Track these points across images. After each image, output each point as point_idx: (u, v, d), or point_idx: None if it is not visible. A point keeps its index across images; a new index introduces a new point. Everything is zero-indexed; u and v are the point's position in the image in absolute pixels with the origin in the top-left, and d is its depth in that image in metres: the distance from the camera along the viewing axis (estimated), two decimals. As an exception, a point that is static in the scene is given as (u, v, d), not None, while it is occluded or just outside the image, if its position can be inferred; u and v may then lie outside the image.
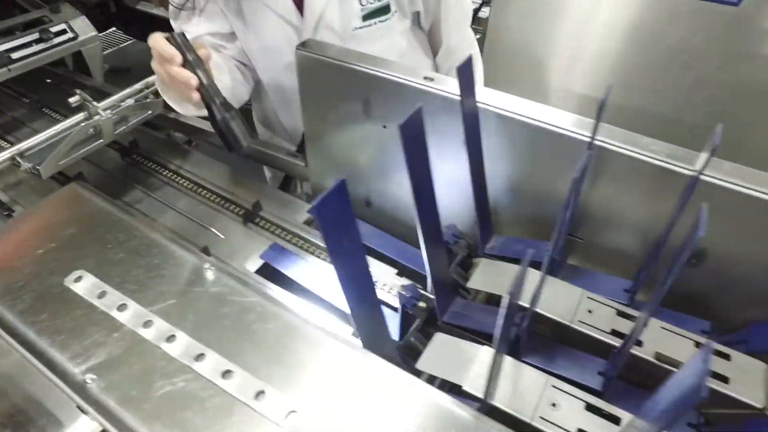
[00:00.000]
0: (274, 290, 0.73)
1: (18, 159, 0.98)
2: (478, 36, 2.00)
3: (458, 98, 0.68)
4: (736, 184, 0.61)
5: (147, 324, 0.43)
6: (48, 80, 1.54)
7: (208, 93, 0.82)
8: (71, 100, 1.02)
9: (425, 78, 0.77)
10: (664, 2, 1.42)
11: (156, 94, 1.13)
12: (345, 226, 0.48)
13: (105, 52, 1.95)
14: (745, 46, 1.39)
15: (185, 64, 0.80)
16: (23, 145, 1.00)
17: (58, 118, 1.45)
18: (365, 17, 0.96)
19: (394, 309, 0.76)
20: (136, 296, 0.45)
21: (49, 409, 0.78)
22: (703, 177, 0.61)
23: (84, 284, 0.47)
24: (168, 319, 0.43)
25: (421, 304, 0.75)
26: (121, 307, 0.45)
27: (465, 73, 0.65)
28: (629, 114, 1.63)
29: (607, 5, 1.50)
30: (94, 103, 1.03)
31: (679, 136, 1.58)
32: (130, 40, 3.07)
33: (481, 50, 1.76)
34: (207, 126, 1.25)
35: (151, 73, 0.89)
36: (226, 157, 1.20)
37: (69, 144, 0.98)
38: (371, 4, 0.95)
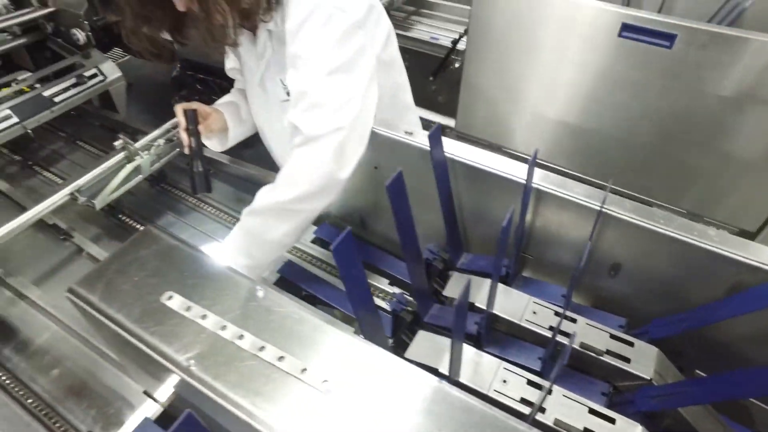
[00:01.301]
0: (297, 301, 0.95)
1: (76, 194, 1.19)
2: (457, 65, 2.24)
3: (428, 149, 0.91)
4: (630, 217, 0.85)
5: (223, 328, 0.65)
6: (78, 115, 1.75)
7: (193, 152, 1.13)
8: (116, 144, 1.23)
9: (405, 132, 1.00)
10: (613, 43, 1.66)
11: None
12: (351, 258, 0.71)
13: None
14: (678, 80, 1.63)
15: (187, 129, 1.14)
16: (79, 182, 1.21)
17: (90, 150, 1.66)
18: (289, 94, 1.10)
19: (388, 312, 0.99)
20: (212, 309, 0.67)
21: (122, 395, 1.00)
22: (605, 210, 0.85)
23: (174, 301, 0.69)
24: (237, 324, 0.65)
25: (408, 308, 0.98)
26: (204, 317, 0.66)
27: (435, 135, 0.88)
28: (591, 134, 1.88)
29: (573, 46, 1.73)
30: (135, 145, 1.24)
31: (633, 153, 1.82)
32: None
33: (461, 78, 2.00)
34: (223, 157, 1.47)
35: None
36: (242, 186, 1.42)
37: (116, 182, 1.20)
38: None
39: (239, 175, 1.41)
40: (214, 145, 1.27)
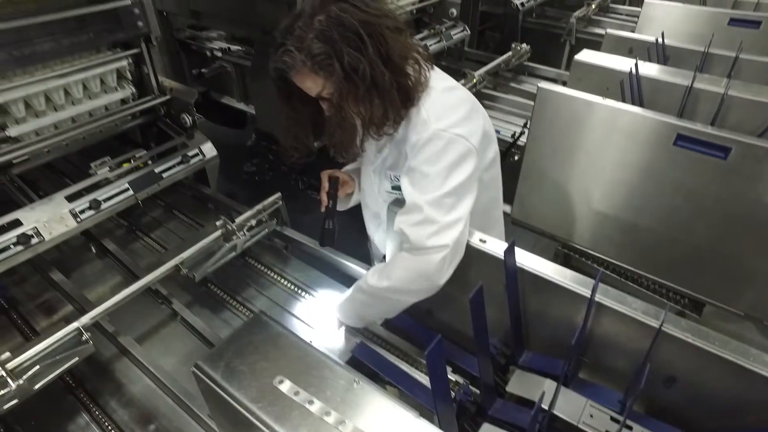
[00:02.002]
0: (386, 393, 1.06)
1: (180, 266, 1.37)
2: (516, 158, 2.39)
3: (500, 257, 1.03)
4: (686, 336, 0.93)
5: (327, 414, 0.77)
6: (175, 187, 1.97)
7: (327, 211, 1.33)
8: (217, 224, 1.42)
9: (480, 240, 1.13)
10: (669, 151, 1.76)
11: (270, 214, 1.55)
12: (440, 362, 0.82)
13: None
14: (734, 188, 1.71)
15: (328, 192, 1.34)
16: (183, 255, 1.39)
17: (184, 219, 1.88)
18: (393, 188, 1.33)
19: (453, 401, 1.08)
20: (317, 395, 0.80)
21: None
22: (664, 329, 0.93)
23: (285, 386, 0.81)
24: (338, 411, 0.77)
25: (472, 399, 1.07)
26: (310, 402, 0.79)
27: (510, 249, 1.00)
28: (646, 232, 1.95)
29: (630, 150, 1.84)
30: (233, 226, 1.42)
31: (687, 253, 1.86)
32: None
33: (519, 170, 2.14)
34: (299, 237, 1.63)
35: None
36: (317, 263, 1.57)
37: (215, 258, 1.37)
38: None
39: (313, 254, 1.56)
40: (346, 207, 1.49)
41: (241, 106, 3.31)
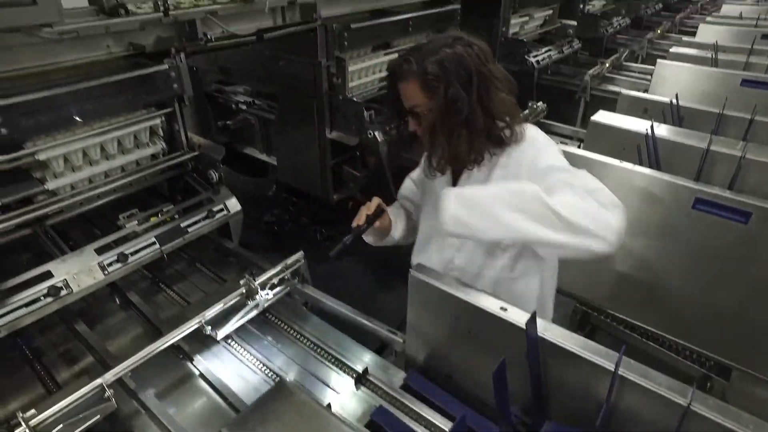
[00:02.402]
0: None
1: (203, 324, 1.39)
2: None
3: (521, 326, 1.04)
4: (714, 416, 0.91)
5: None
6: (198, 240, 2.02)
7: (356, 230, 1.41)
8: (241, 282, 1.45)
9: (501, 308, 1.14)
10: (688, 214, 1.77)
11: (292, 273, 1.58)
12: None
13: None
14: (756, 252, 1.70)
15: (368, 216, 1.43)
16: (207, 313, 1.42)
17: (206, 272, 1.91)
18: None
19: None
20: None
21: None
22: (692, 408, 0.92)
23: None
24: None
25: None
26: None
27: (531, 321, 1.01)
28: (664, 293, 1.93)
29: (648, 212, 1.86)
30: (257, 284, 1.45)
31: (710, 315, 1.84)
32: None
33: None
34: (320, 295, 1.64)
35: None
36: (336, 322, 1.58)
37: (238, 316, 1.40)
38: None
39: (334, 313, 1.57)
40: (370, 240, 1.58)
41: (263, 157, 3.42)
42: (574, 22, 4.48)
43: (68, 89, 1.61)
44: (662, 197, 1.79)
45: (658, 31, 5.03)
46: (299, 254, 1.63)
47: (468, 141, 1.31)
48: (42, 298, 1.49)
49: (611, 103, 3.76)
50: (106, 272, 1.61)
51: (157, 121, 1.94)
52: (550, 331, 1.08)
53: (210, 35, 1.92)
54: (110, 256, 1.63)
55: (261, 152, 3.43)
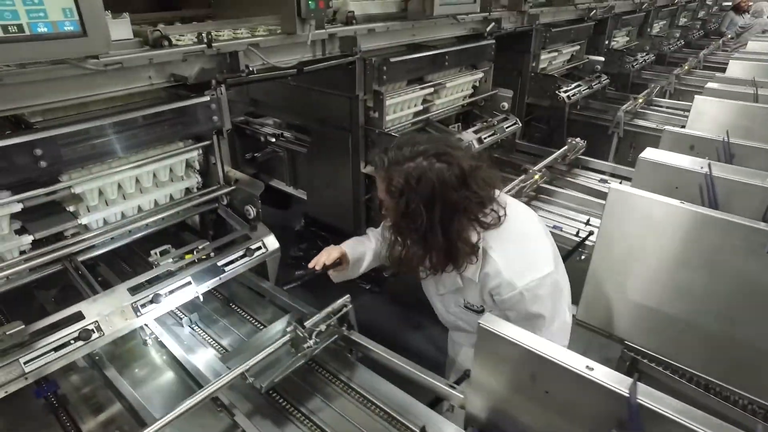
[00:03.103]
0: None
1: (246, 374, 1.28)
2: (583, 257, 2.30)
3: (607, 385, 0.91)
4: None
5: None
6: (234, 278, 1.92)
7: (309, 272, 1.62)
8: (287, 330, 1.34)
9: (587, 367, 1.02)
10: (757, 255, 1.64)
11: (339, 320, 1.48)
12: None
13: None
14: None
15: (326, 265, 1.63)
16: (249, 363, 1.31)
17: (243, 315, 1.81)
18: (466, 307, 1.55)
19: None
20: None
21: None
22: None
23: None
24: None
25: None
26: None
27: (634, 386, 0.89)
28: (729, 342, 1.79)
29: (708, 255, 1.74)
30: (304, 332, 1.34)
31: (745, 357, 1.70)
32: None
33: (585, 269, 2.04)
34: (367, 342, 1.53)
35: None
36: (385, 372, 1.46)
37: (282, 366, 1.28)
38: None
39: (382, 362, 1.46)
40: (333, 278, 1.70)
41: (290, 189, 3.35)
42: (602, 58, 4.46)
43: (111, 120, 1.56)
44: (733, 241, 1.67)
45: (685, 67, 4.98)
46: (345, 298, 1.52)
47: (421, 255, 1.36)
48: (72, 341, 1.39)
49: (646, 139, 3.69)
50: (139, 313, 1.51)
51: (194, 153, 1.88)
52: (649, 395, 0.96)
53: (252, 67, 1.87)
54: (144, 296, 1.53)
55: (288, 185, 3.37)
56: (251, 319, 1.78)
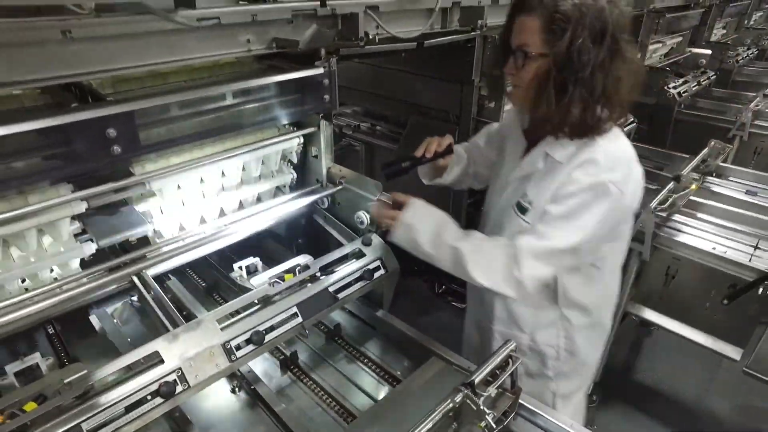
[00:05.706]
0: None
1: None
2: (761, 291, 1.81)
3: None
4: None
5: None
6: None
7: (419, 159, 1.36)
8: (457, 399, 0.91)
9: None
10: None
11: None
12: None
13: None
14: None
15: (436, 152, 1.36)
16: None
17: (346, 349, 1.40)
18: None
19: None
20: None
21: None
22: None
23: None
24: None
25: None
26: None
27: None
28: None
29: None
30: (480, 402, 0.91)
31: None
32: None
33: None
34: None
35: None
36: None
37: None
38: None
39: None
40: (422, 174, 1.50)
41: (364, 190, 2.94)
42: (708, 51, 3.93)
43: (200, 94, 1.16)
44: None
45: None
46: (510, 346, 1.09)
47: (577, 105, 1.09)
48: (148, 397, 1.00)
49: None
50: (234, 357, 1.11)
51: (294, 143, 1.48)
52: None
53: (371, 35, 1.45)
54: (239, 332, 1.13)
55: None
56: (369, 362, 1.35)
